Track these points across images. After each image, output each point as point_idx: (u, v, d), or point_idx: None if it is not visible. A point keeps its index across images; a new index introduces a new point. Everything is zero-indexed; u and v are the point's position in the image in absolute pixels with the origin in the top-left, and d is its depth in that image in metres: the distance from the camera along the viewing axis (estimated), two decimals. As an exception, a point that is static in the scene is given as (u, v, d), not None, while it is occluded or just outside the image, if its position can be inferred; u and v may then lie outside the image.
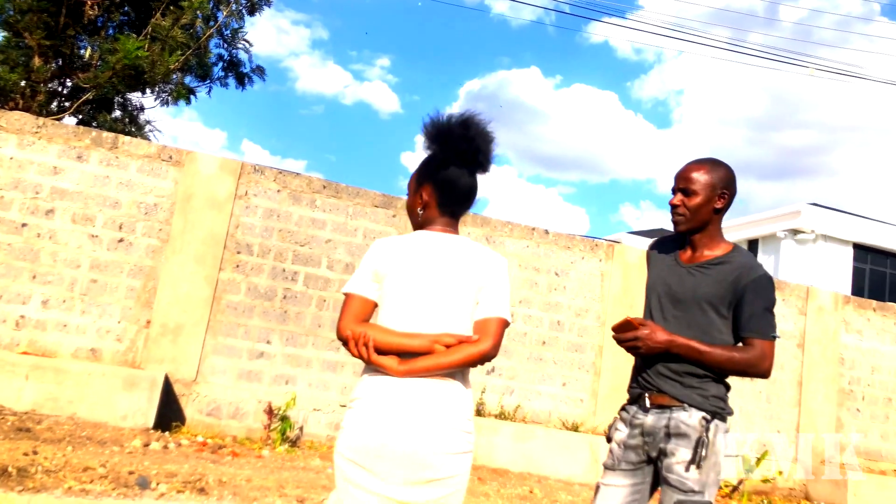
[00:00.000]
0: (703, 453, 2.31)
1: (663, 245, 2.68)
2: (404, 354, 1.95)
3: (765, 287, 2.40)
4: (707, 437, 2.32)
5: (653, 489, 2.51)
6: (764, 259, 20.73)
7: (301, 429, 6.63)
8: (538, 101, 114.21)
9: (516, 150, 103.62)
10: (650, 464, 2.45)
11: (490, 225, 7.50)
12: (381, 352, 1.95)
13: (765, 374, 2.40)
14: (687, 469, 2.31)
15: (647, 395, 2.45)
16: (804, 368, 8.33)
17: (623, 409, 2.58)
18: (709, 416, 2.36)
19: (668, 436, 2.37)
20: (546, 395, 7.45)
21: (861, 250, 21.26)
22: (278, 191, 6.87)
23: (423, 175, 2.11)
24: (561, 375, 7.52)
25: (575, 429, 7.19)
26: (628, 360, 2.59)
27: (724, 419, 2.40)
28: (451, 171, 2.07)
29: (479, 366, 1.96)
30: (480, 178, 2.10)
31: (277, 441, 6.18)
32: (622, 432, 2.51)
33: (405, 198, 8.18)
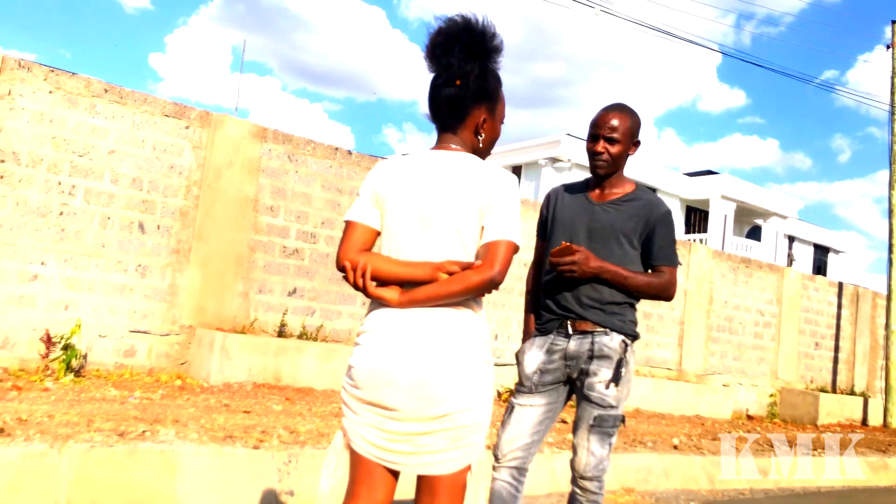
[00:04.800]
0: (623, 372, 2.54)
1: (566, 189, 2.84)
2: (407, 284, 1.80)
3: (670, 221, 2.66)
4: (626, 357, 2.56)
5: (563, 405, 2.70)
6: (526, 185, 22.39)
7: (85, 357, 6.07)
8: (303, 10, 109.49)
9: (280, 59, 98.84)
10: (566, 384, 2.65)
11: (292, 142, 7.24)
12: (382, 282, 1.82)
13: (672, 297, 2.67)
14: (607, 387, 2.53)
15: (569, 322, 2.61)
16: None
17: (535, 336, 2.72)
18: (628, 340, 2.60)
19: (592, 358, 2.56)
20: (346, 315, 7.55)
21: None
22: (50, 92, 6.00)
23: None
24: (362, 295, 7.61)
25: (375, 346, 7.38)
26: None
27: (635, 341, 2.64)
28: (432, 83, 1.91)
29: (486, 294, 1.82)
30: (465, 86, 1.84)
31: (61, 371, 5.61)
32: (538, 357, 2.65)
33: (198, 108, 7.51)
